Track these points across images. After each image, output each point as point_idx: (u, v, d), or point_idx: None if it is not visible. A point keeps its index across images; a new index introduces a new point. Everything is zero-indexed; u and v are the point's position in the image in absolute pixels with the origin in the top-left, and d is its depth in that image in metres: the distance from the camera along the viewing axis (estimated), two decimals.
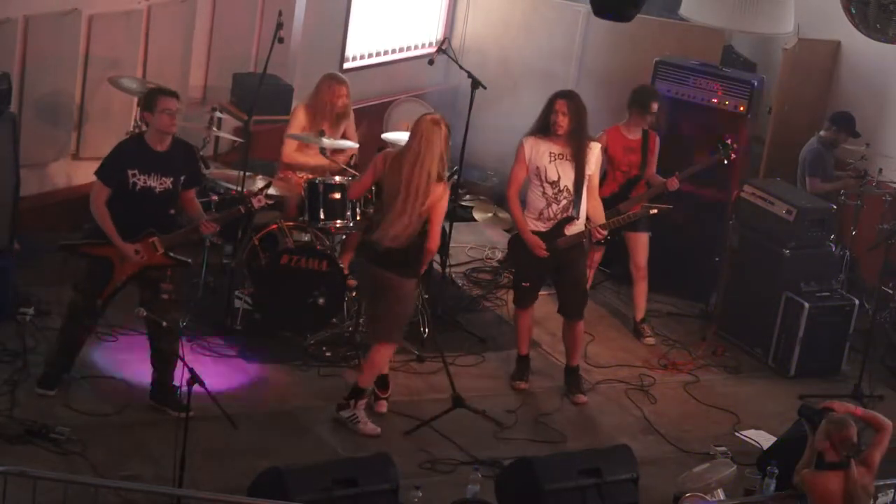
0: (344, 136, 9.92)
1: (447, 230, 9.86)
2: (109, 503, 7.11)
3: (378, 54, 12.60)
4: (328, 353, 9.23)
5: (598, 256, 10.25)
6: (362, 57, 12.42)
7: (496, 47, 12.55)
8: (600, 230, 9.03)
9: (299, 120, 9.80)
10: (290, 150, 9.82)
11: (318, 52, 11.63)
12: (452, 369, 8.89)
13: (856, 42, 11.20)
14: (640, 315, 10.36)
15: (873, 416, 7.37)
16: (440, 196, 8.24)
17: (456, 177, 9.83)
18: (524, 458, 7.75)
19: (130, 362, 8.61)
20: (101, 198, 7.94)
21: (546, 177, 8.89)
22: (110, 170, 7.97)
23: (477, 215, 11.03)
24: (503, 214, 11.08)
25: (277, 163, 9.98)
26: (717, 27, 10.42)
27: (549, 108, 8.86)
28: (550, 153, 8.89)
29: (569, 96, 8.89)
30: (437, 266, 10.11)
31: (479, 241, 11.52)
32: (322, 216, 9.28)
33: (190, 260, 8.35)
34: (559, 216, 8.93)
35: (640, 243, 10.18)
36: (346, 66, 12.04)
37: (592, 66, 12.13)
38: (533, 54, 12.34)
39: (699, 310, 10.86)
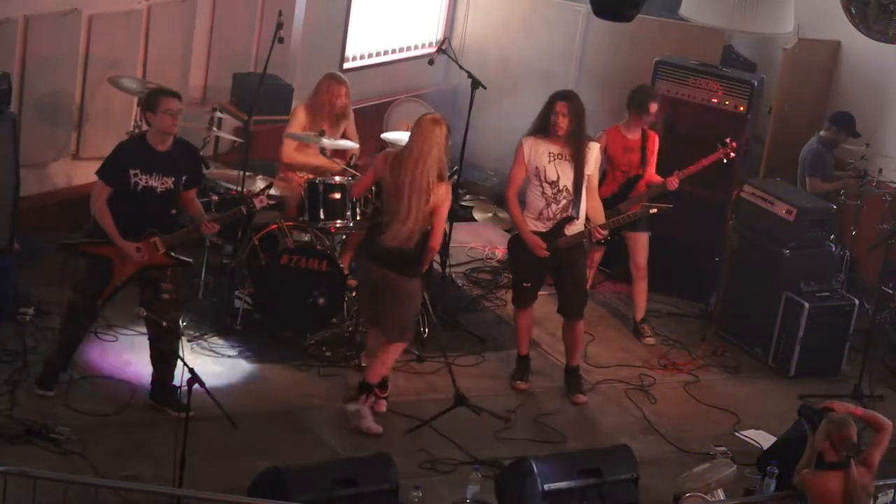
0: (344, 137, 9.93)
1: (447, 230, 9.86)
2: (109, 503, 7.11)
3: (378, 54, 12.60)
4: (328, 353, 9.23)
5: (598, 256, 10.26)
6: (362, 57, 12.42)
7: (496, 47, 12.55)
8: (600, 230, 9.03)
9: (299, 120, 9.80)
10: (289, 150, 9.82)
11: (318, 52, 11.63)
12: (454, 370, 8.89)
13: (856, 42, 11.20)
14: (640, 315, 10.36)
15: (873, 416, 7.37)
16: (444, 196, 8.29)
17: (456, 177, 9.84)
18: (524, 458, 7.75)
19: (130, 362, 8.62)
20: (102, 197, 7.94)
21: (545, 177, 8.90)
22: (112, 169, 7.97)
23: (477, 215, 11.04)
24: (503, 214, 11.09)
25: (277, 163, 9.99)
26: (717, 27, 10.42)
27: (549, 110, 8.86)
28: (549, 153, 8.90)
29: (569, 97, 8.89)
30: (437, 266, 10.11)
31: (479, 241, 11.52)
32: (322, 216, 9.28)
33: (191, 260, 8.36)
34: (559, 216, 8.93)
35: (640, 243, 10.18)
36: (346, 66, 12.05)
37: (592, 66, 12.13)
38: (533, 54, 12.34)
39: (699, 310, 10.86)
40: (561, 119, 8.80)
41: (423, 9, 12.90)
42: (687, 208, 10.43)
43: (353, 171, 9.59)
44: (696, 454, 8.72)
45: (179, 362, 7.10)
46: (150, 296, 8.07)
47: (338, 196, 9.29)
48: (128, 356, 8.70)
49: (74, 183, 10.18)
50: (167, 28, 10.54)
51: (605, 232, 9.08)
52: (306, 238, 9.34)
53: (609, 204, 9.69)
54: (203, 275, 9.46)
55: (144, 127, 8.17)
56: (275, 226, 9.34)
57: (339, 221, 9.33)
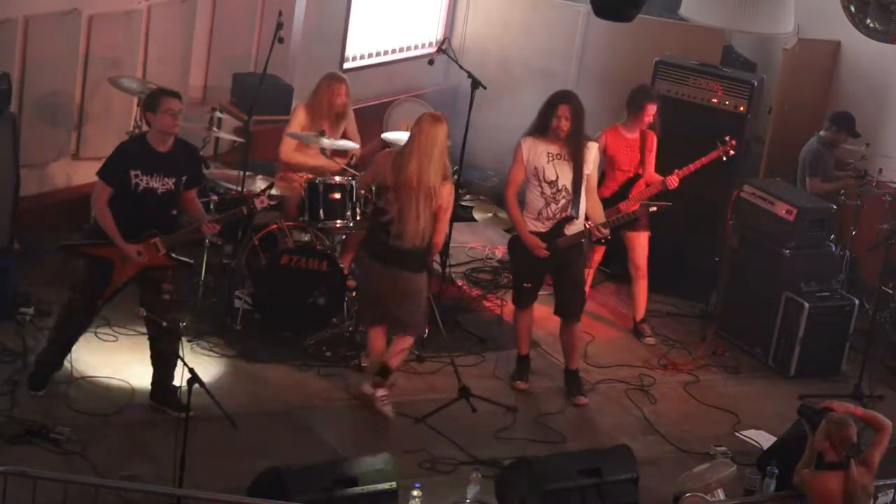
0: (345, 136, 9.92)
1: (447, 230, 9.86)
2: (109, 503, 7.11)
3: (378, 54, 12.60)
4: (328, 353, 9.23)
5: (597, 257, 10.25)
6: (362, 57, 12.42)
7: (496, 47, 12.55)
8: (601, 229, 9.03)
9: (299, 119, 9.80)
10: (288, 149, 9.81)
11: (318, 52, 11.63)
12: (453, 369, 8.91)
13: (856, 42, 11.21)
14: (640, 315, 10.36)
15: (873, 416, 7.37)
16: (447, 195, 8.43)
17: (456, 177, 9.83)
18: (524, 458, 7.76)
19: (130, 362, 8.62)
20: (102, 198, 7.94)
21: (544, 177, 8.90)
22: (112, 170, 7.96)
23: (477, 215, 11.03)
24: (503, 214, 11.08)
25: (277, 163, 9.98)
26: (717, 27, 10.41)
27: (551, 112, 8.85)
28: (548, 153, 8.90)
29: (571, 100, 8.87)
30: (437, 266, 10.11)
31: (479, 241, 11.52)
32: (322, 216, 9.28)
33: (192, 260, 8.36)
34: (558, 216, 8.93)
35: (640, 243, 10.18)
36: (346, 66, 12.04)
37: (592, 66, 12.13)
38: (533, 54, 12.34)
39: (699, 310, 10.86)
40: (563, 122, 8.81)
41: (423, 9, 12.90)
42: (687, 208, 10.43)
43: (353, 172, 9.59)
44: (696, 454, 8.72)
45: (179, 362, 7.10)
46: (150, 296, 8.07)
47: (338, 196, 9.29)
48: (128, 356, 8.70)
49: (74, 183, 10.18)
50: (167, 28, 10.55)
51: (606, 231, 9.08)
52: (306, 238, 9.34)
53: (609, 204, 9.70)
54: (203, 275, 9.45)
55: (145, 127, 8.17)
56: (275, 226, 9.34)
57: (339, 221, 9.33)
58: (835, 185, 11.06)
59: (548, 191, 8.91)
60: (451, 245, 10.14)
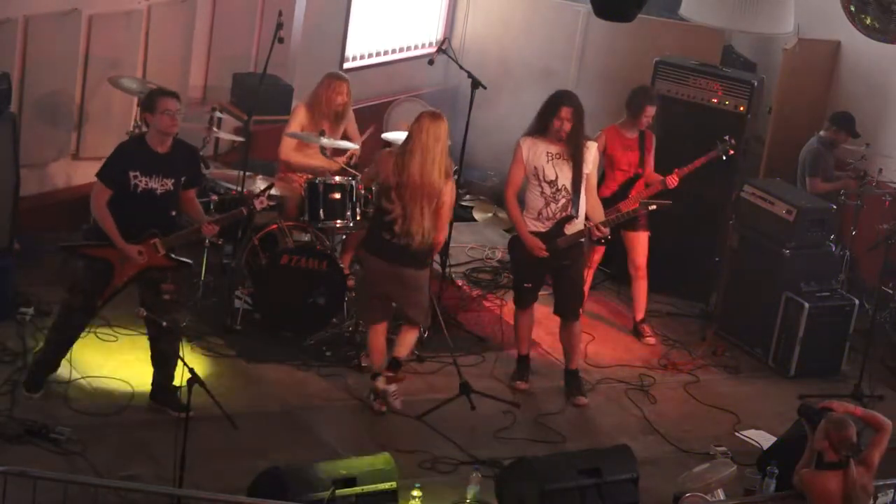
0: (345, 136, 9.92)
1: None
2: (109, 503, 7.11)
3: (378, 54, 12.60)
4: (328, 353, 9.23)
5: (597, 257, 10.24)
6: (362, 57, 12.42)
7: (496, 47, 12.54)
8: (601, 228, 9.03)
9: (299, 119, 9.79)
10: (287, 148, 9.80)
11: (318, 52, 11.63)
12: (453, 370, 8.90)
13: (856, 42, 11.22)
14: (640, 315, 10.36)
15: (873, 416, 7.37)
16: (450, 193, 8.49)
17: (456, 176, 9.83)
18: (524, 458, 7.76)
19: (130, 362, 8.62)
20: (102, 199, 7.93)
21: (544, 176, 8.90)
22: (111, 172, 7.95)
23: (477, 215, 11.03)
24: (503, 214, 11.06)
25: (277, 163, 9.98)
26: (717, 27, 10.41)
27: (553, 114, 8.83)
28: (548, 153, 8.90)
29: (573, 102, 8.86)
30: (437, 266, 10.11)
31: (479, 241, 11.52)
32: (322, 216, 9.28)
33: (191, 261, 8.35)
34: (558, 215, 8.93)
35: (639, 243, 10.18)
36: (346, 66, 12.04)
37: (592, 66, 12.13)
38: (533, 54, 12.33)
39: (699, 310, 10.87)
40: (566, 124, 8.81)
41: (423, 9, 12.90)
42: (687, 208, 10.43)
43: (353, 172, 9.58)
44: (696, 454, 8.72)
45: (179, 362, 7.10)
46: (150, 296, 8.06)
47: (338, 196, 9.29)
48: (128, 356, 8.69)
49: (74, 183, 10.18)
50: (167, 28, 10.55)
51: (606, 230, 9.08)
52: (306, 238, 9.34)
53: (609, 204, 9.69)
54: (203, 275, 9.46)
55: (144, 128, 8.17)
56: (275, 226, 9.34)
57: (339, 221, 9.33)
58: (835, 185, 11.06)
59: (547, 190, 8.91)
60: (451, 245, 10.14)
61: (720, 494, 7.95)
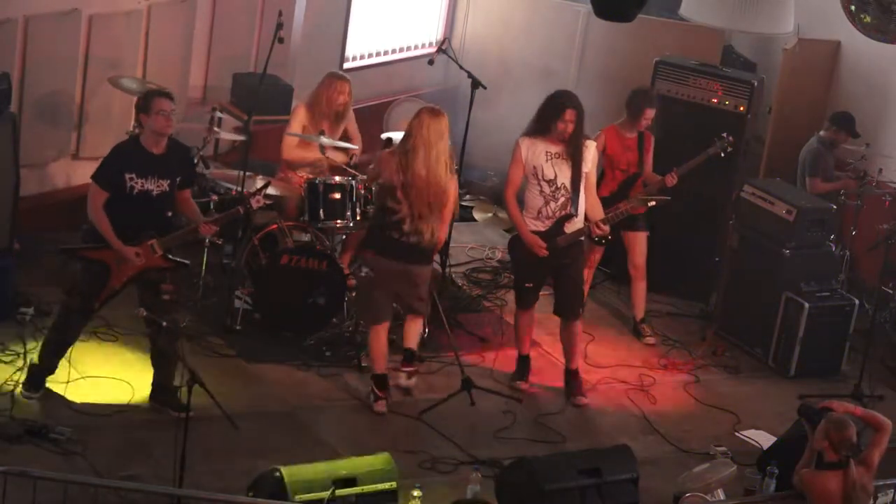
0: (345, 136, 9.92)
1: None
2: (109, 503, 7.11)
3: (378, 54, 12.60)
4: (328, 353, 9.22)
5: (597, 257, 10.24)
6: (362, 57, 12.42)
7: (496, 47, 12.54)
8: (601, 226, 9.03)
9: (300, 118, 9.78)
10: (289, 147, 9.80)
11: (318, 52, 11.63)
12: (453, 370, 8.90)
13: (856, 42, 11.21)
14: (639, 315, 10.35)
15: (873, 416, 7.36)
16: (454, 189, 8.59)
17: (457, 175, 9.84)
18: (524, 458, 7.75)
19: (130, 362, 8.62)
20: (98, 202, 7.91)
21: (543, 175, 8.90)
22: (107, 174, 7.94)
23: (477, 215, 11.04)
24: (503, 214, 11.06)
25: (278, 163, 9.98)
26: (717, 27, 10.41)
27: (557, 115, 8.81)
28: (547, 152, 8.90)
29: (576, 104, 8.84)
30: (437, 266, 10.11)
31: (479, 241, 11.51)
32: (322, 216, 9.28)
33: (188, 261, 8.35)
34: (557, 214, 8.93)
35: (639, 242, 10.19)
36: (346, 66, 12.04)
37: (592, 66, 12.13)
38: (533, 54, 12.33)
39: (699, 310, 10.86)
40: (570, 126, 8.81)
41: (423, 9, 12.90)
42: (686, 208, 10.43)
43: (353, 171, 9.58)
44: (696, 454, 8.72)
45: (179, 362, 7.09)
46: (149, 296, 8.06)
47: (338, 196, 9.29)
48: (128, 356, 8.69)
49: (74, 183, 10.18)
50: (167, 28, 10.54)
51: (606, 228, 9.07)
52: (306, 238, 9.34)
53: (609, 203, 9.66)
54: (203, 275, 9.45)
55: (140, 129, 8.16)
56: (275, 226, 9.34)
57: (339, 221, 9.33)
58: (835, 185, 11.06)
59: (547, 189, 8.91)
60: (451, 245, 10.14)
61: (720, 494, 7.95)
